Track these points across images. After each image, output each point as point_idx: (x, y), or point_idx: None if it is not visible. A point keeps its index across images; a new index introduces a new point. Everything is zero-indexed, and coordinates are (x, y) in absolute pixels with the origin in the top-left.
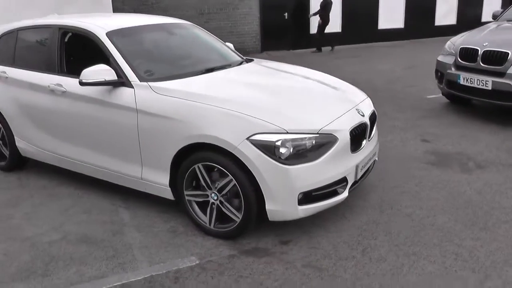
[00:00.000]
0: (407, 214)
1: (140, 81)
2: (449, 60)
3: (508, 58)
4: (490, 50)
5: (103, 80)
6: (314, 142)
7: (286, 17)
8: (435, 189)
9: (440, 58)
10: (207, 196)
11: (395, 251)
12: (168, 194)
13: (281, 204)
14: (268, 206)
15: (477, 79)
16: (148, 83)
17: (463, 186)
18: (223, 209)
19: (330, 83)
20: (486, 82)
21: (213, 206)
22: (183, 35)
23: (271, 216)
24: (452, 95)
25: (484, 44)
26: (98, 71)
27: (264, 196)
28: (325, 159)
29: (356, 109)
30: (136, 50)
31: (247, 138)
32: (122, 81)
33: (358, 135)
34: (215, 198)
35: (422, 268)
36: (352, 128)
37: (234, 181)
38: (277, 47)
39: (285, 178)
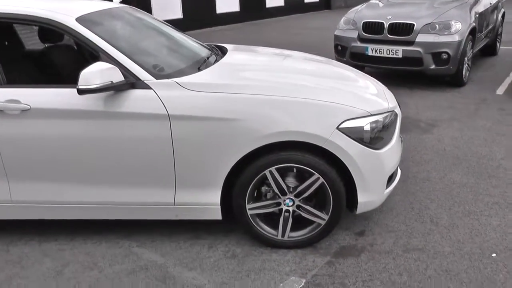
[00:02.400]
0: (426, 179)
1: (157, 79)
2: (351, 34)
3: (414, 28)
4: (396, 23)
5: (110, 83)
6: (387, 122)
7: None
8: (421, 151)
9: (338, 33)
10: (279, 204)
11: (450, 214)
12: (216, 214)
13: (372, 193)
14: (360, 199)
15: (387, 49)
16: (174, 79)
17: (437, 144)
18: (302, 214)
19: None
20: (396, 51)
21: (287, 214)
22: (141, 20)
23: (361, 209)
24: (355, 66)
25: (388, 18)
26: (103, 72)
27: (357, 188)
28: (395, 137)
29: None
30: (123, 40)
31: (337, 127)
32: (131, 82)
33: None
34: (290, 204)
35: (488, 223)
36: None
37: (321, 179)
38: None
39: (378, 164)
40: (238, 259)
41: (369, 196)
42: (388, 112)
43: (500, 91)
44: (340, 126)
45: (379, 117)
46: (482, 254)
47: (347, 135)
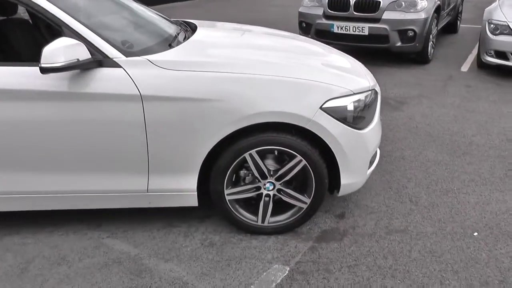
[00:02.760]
0: (401, 157)
1: (127, 56)
2: (316, 11)
3: (381, 6)
4: (362, 0)
5: (76, 61)
6: (368, 101)
7: None
8: (394, 129)
9: (302, 10)
10: (259, 188)
11: (429, 193)
12: (192, 201)
13: (355, 174)
14: (344, 180)
15: (353, 26)
16: (145, 57)
17: (408, 121)
18: (283, 198)
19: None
20: (362, 28)
21: (267, 198)
22: None
23: (343, 191)
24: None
25: None
26: (68, 48)
27: (340, 169)
28: (377, 116)
29: None
30: (88, 14)
31: (321, 107)
32: (99, 60)
33: None
34: (271, 188)
35: (466, 200)
36: None
37: (303, 162)
38: None
39: (361, 144)
40: (217, 248)
41: (352, 177)
42: (369, 90)
43: (465, 68)
44: (323, 106)
45: (361, 96)
46: (464, 234)
47: (330, 115)
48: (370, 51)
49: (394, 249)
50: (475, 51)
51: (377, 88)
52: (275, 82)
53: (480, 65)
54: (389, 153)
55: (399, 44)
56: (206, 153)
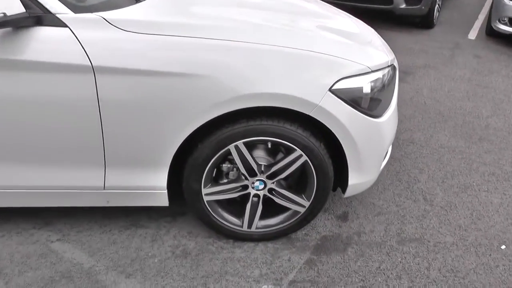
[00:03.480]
0: (410, 141)
1: (76, 12)
2: None
3: None
4: None
5: (2, 15)
6: (386, 80)
7: None
8: (400, 104)
9: None
10: (246, 187)
11: (445, 189)
12: (162, 200)
13: (366, 173)
14: (352, 180)
15: None
16: (100, 14)
17: (416, 96)
18: (276, 200)
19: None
20: None
21: (256, 199)
22: None
23: (350, 192)
24: None
25: None
26: None
27: (349, 167)
28: (395, 101)
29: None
30: None
31: (330, 89)
32: (37, 16)
33: None
34: (261, 187)
35: (488, 200)
36: None
37: (304, 157)
38: None
39: (377, 136)
40: (191, 259)
41: (362, 177)
42: (388, 66)
43: (472, 35)
44: (333, 87)
45: (380, 74)
46: (490, 246)
47: (341, 99)
48: (364, 11)
49: (409, 265)
50: (481, 17)
51: (396, 63)
52: (271, 55)
53: (490, 33)
54: (397, 135)
55: (403, 6)
56: (179, 143)
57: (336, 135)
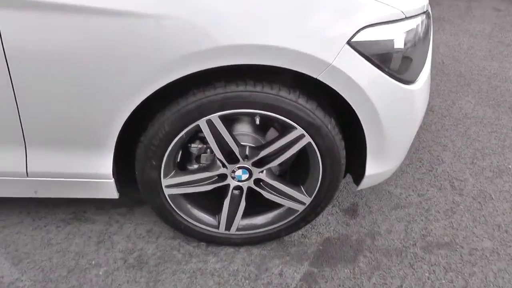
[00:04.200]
0: (429, 108)
1: None
2: None
3: None
4: None
5: None
6: (421, 32)
7: None
8: None
9: None
10: (225, 177)
11: (475, 173)
12: (107, 191)
13: (390, 160)
14: (370, 170)
15: None
16: None
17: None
18: (265, 194)
19: None
20: None
21: (237, 192)
22: None
23: (367, 183)
24: None
25: None
26: None
27: (368, 152)
28: (429, 60)
29: None
30: None
31: (348, 41)
32: None
33: None
34: (245, 176)
35: None
36: None
37: (308, 138)
38: None
39: (408, 109)
40: (148, 271)
41: (384, 164)
42: (423, 13)
43: None
44: (354, 39)
45: (414, 23)
46: None
47: (363, 56)
48: None
49: (441, 283)
50: None
51: (429, 9)
52: None
53: None
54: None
55: None
56: (128, 115)
57: (354, 108)
